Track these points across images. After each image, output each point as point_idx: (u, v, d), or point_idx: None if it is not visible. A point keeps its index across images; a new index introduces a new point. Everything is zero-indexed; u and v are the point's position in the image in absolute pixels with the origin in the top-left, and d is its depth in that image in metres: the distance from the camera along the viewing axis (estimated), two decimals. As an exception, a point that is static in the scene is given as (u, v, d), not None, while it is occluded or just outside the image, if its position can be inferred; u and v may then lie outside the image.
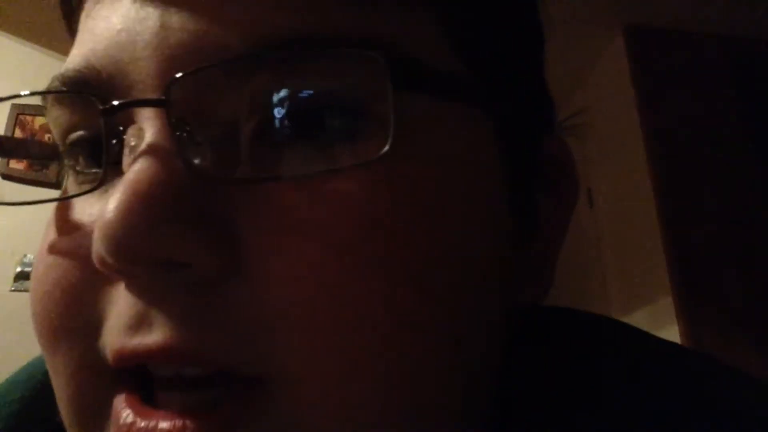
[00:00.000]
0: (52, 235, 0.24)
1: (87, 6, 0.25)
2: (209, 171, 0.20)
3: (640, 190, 1.60)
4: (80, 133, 0.24)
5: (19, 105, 1.85)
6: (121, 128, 0.21)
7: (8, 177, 1.98)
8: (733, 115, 1.62)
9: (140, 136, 0.20)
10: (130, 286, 0.20)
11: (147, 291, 0.20)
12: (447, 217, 0.22)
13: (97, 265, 0.19)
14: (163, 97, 0.20)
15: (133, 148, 0.20)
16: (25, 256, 2.21)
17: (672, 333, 1.44)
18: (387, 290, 0.20)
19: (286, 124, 0.21)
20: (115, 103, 0.21)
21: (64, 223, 0.24)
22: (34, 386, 0.32)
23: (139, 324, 0.20)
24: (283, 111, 0.21)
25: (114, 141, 0.22)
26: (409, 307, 0.20)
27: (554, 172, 0.28)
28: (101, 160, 0.22)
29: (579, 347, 0.26)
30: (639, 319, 1.61)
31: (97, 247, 0.19)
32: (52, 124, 0.25)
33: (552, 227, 0.28)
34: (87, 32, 0.24)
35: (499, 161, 0.25)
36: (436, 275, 0.21)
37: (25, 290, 2.18)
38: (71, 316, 0.22)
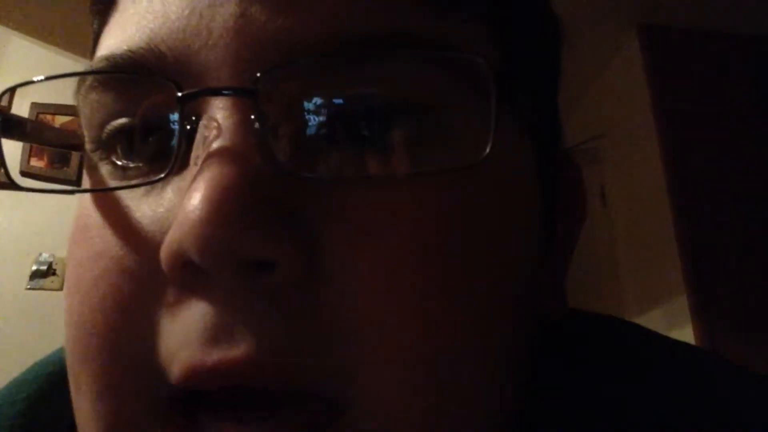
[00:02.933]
0: (92, 238, 0.22)
1: None
2: (292, 167, 0.19)
3: (655, 189, 1.58)
4: (123, 120, 0.22)
5: (39, 104, 1.87)
6: (192, 118, 0.20)
7: (28, 174, 1.99)
8: (751, 114, 1.60)
9: (216, 127, 0.19)
10: (207, 293, 0.19)
11: (229, 297, 0.18)
12: (513, 232, 0.23)
13: (169, 268, 0.18)
14: (253, 87, 0.19)
15: (207, 140, 0.19)
16: (40, 254, 2.24)
17: (686, 333, 1.43)
18: (469, 303, 0.20)
19: (370, 124, 0.20)
20: (194, 90, 0.20)
21: (108, 223, 0.21)
22: (41, 386, 0.30)
23: (218, 336, 0.18)
24: (368, 111, 0.20)
25: (179, 131, 0.20)
26: (483, 321, 0.20)
27: (569, 190, 0.29)
28: (146, 151, 0.21)
29: (602, 358, 0.26)
30: (653, 319, 1.59)
31: (181, 245, 0.17)
32: (87, 110, 0.23)
33: (566, 243, 0.28)
34: (140, 10, 0.22)
35: (537, 179, 0.25)
36: (501, 290, 0.21)
37: (41, 288, 2.21)
38: (123, 334, 0.20)
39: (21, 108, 1.90)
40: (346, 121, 0.20)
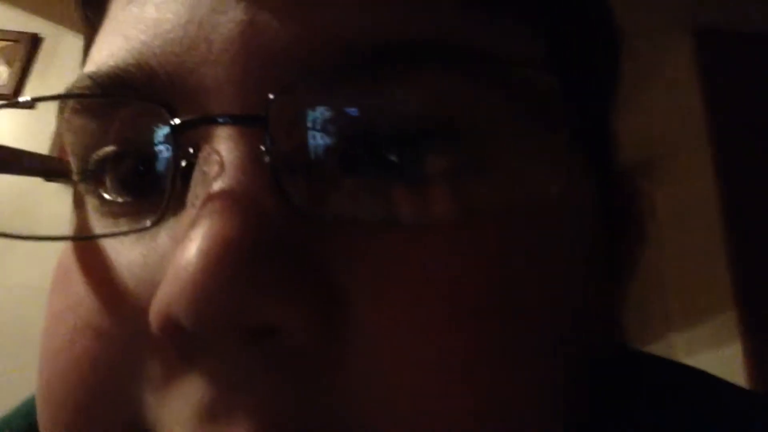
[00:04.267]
0: (72, 286, 0.19)
1: None
2: (311, 209, 0.16)
3: (704, 199, 1.53)
4: (111, 148, 0.19)
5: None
6: (188, 149, 0.17)
7: None
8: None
9: (218, 162, 0.16)
10: (203, 362, 0.16)
11: (230, 368, 0.15)
12: (576, 276, 0.19)
13: (158, 332, 0.15)
14: (263, 113, 0.16)
15: (207, 178, 0.16)
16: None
17: (734, 350, 1.38)
18: (523, 371, 0.17)
19: (402, 148, 0.17)
20: (190, 118, 0.17)
21: (91, 271, 0.18)
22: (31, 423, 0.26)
23: (216, 413, 0.15)
24: (401, 132, 0.17)
25: (172, 166, 0.17)
26: (537, 389, 0.17)
27: (626, 211, 0.26)
28: (138, 184, 0.18)
29: (660, 408, 0.22)
30: (699, 334, 1.55)
31: (171, 308, 0.15)
32: (71, 137, 0.20)
33: (624, 270, 0.25)
34: (129, 19, 0.19)
35: (598, 205, 0.22)
36: (558, 351, 0.18)
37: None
38: (99, 404, 0.17)
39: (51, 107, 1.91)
40: (373, 146, 0.17)
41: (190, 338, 0.15)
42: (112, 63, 0.19)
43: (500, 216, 0.17)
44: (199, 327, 0.14)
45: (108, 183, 0.19)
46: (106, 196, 0.19)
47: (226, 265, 0.14)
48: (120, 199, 0.19)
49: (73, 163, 0.21)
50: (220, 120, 0.17)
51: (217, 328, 0.15)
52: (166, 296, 0.15)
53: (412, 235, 0.16)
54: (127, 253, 0.18)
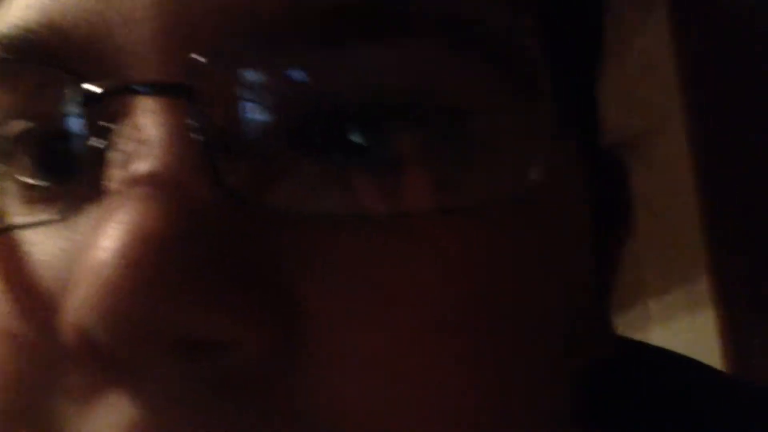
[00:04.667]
0: None
1: None
2: (251, 195, 0.14)
3: (678, 166, 1.55)
4: (26, 124, 0.17)
5: None
6: (103, 123, 0.15)
7: None
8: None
9: (140, 138, 0.14)
10: (128, 378, 0.13)
11: (158, 386, 0.13)
12: (564, 272, 0.18)
13: (71, 343, 0.13)
14: (186, 82, 0.14)
15: (127, 156, 0.14)
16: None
17: (708, 316, 1.41)
18: (509, 387, 0.15)
19: (367, 126, 0.15)
20: (104, 87, 0.14)
21: (4, 266, 0.16)
22: None
23: None
24: (366, 107, 0.15)
25: (91, 140, 0.15)
26: (523, 401, 0.16)
27: (613, 198, 0.24)
28: (59, 167, 0.16)
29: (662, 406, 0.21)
30: (673, 301, 1.58)
31: (80, 319, 0.13)
32: None
33: (610, 264, 0.24)
34: None
35: (586, 192, 0.20)
36: (547, 363, 0.17)
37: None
38: (16, 416, 0.15)
39: None
40: (329, 121, 0.15)
41: (110, 352, 0.13)
42: (19, 23, 0.16)
43: (484, 206, 0.15)
44: (116, 343, 0.12)
45: (26, 164, 0.17)
46: (22, 178, 0.17)
47: (144, 266, 0.12)
48: (37, 183, 0.17)
49: None
50: (140, 89, 0.14)
51: (136, 344, 0.12)
52: (76, 305, 0.13)
53: (380, 230, 0.14)
54: (45, 246, 0.16)
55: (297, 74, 0.15)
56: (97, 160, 0.15)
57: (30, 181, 0.17)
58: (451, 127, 0.15)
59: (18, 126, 0.17)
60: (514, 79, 0.16)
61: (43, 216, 0.16)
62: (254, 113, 0.15)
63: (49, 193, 0.17)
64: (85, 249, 0.13)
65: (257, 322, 0.13)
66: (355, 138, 0.15)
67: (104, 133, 0.15)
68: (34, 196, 0.17)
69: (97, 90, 0.14)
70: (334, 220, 0.14)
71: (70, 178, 0.16)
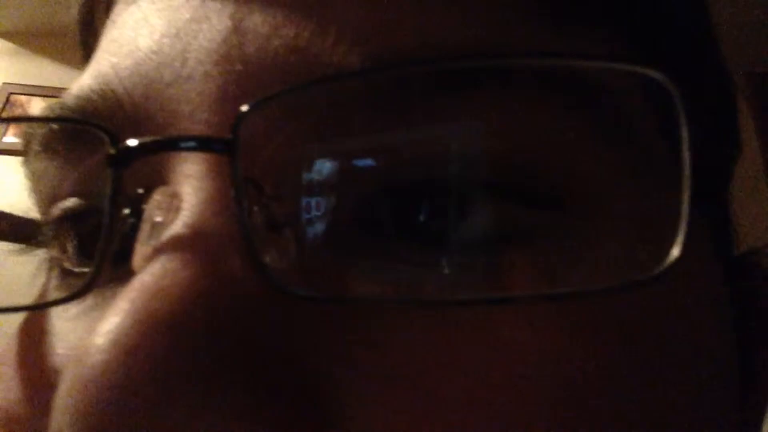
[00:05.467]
0: (3, 364, 0.15)
1: (115, 10, 0.16)
2: (297, 284, 0.12)
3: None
4: (74, 201, 0.16)
5: (10, 84, 1.56)
6: (139, 191, 0.13)
7: (3, 152, 1.61)
8: None
9: (173, 206, 0.12)
10: None
11: None
12: (699, 383, 0.14)
13: None
14: (230, 137, 0.12)
15: (156, 229, 0.12)
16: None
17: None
18: None
19: (445, 204, 0.12)
20: (133, 143, 0.12)
21: (27, 346, 0.15)
22: None
23: None
24: (437, 186, 0.12)
25: (113, 208, 0.13)
26: None
27: (756, 306, 0.19)
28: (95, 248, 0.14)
29: None
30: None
31: (60, 426, 0.10)
32: (32, 185, 0.17)
33: (761, 384, 0.18)
34: (108, 44, 0.16)
35: (724, 292, 0.17)
36: None
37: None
38: None
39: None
40: (401, 201, 0.12)
41: None
42: (75, 92, 0.15)
43: (595, 298, 0.12)
44: None
45: (69, 247, 0.16)
46: (66, 264, 0.16)
47: (141, 360, 0.10)
48: (77, 269, 0.16)
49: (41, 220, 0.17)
50: (181, 144, 0.12)
51: None
52: (59, 407, 0.11)
53: (454, 325, 0.12)
54: (66, 330, 0.15)
55: (368, 135, 0.12)
56: (130, 234, 0.13)
57: (69, 265, 0.16)
58: (559, 203, 0.13)
59: (64, 204, 0.16)
60: (637, 149, 0.14)
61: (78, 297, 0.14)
62: (310, 179, 0.12)
63: (83, 281, 0.14)
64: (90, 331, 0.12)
65: None
66: (432, 219, 0.12)
67: (137, 203, 0.13)
68: (74, 283, 0.16)
69: (133, 144, 0.13)
70: (395, 312, 0.12)
71: (107, 256, 0.14)
